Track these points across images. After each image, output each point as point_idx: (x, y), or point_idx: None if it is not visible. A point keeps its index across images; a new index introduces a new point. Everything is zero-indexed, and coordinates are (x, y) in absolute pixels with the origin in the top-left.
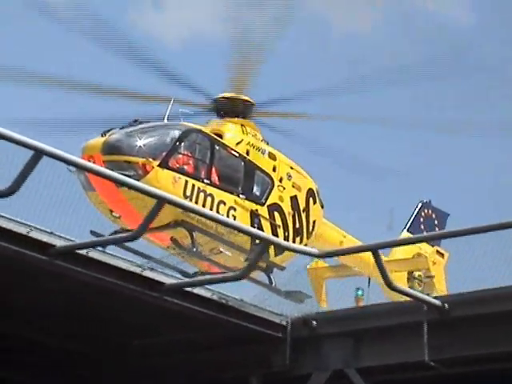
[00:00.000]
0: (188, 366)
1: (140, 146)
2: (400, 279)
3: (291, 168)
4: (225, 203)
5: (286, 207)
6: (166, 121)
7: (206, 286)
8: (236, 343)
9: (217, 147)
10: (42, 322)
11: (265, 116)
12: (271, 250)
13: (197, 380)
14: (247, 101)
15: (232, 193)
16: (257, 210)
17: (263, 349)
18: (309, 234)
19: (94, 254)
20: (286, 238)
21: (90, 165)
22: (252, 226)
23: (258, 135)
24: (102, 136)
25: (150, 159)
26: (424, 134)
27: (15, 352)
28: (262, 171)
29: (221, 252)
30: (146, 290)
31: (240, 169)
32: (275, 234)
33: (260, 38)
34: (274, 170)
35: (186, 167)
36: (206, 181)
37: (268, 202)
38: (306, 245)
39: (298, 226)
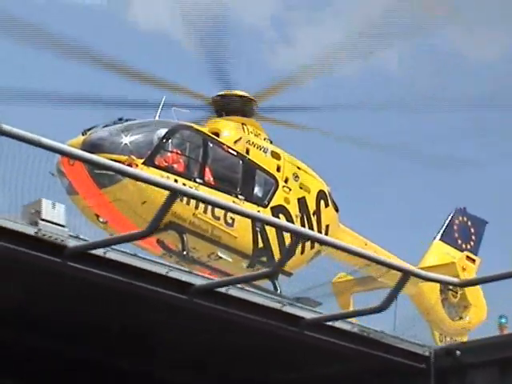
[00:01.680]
0: None
1: (124, 144)
2: (432, 291)
3: (298, 168)
4: None
5: (293, 209)
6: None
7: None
8: (378, 376)
9: (210, 144)
10: (184, 361)
11: (266, 121)
12: (276, 255)
13: None
14: (246, 97)
15: (229, 193)
16: (258, 212)
17: (406, 381)
18: None
19: (233, 291)
20: None
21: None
22: (253, 229)
23: (262, 134)
24: (83, 135)
25: (134, 157)
26: None
27: None
28: (264, 171)
29: (220, 258)
30: (285, 326)
31: (238, 168)
32: (280, 237)
33: None
34: (278, 169)
35: (175, 165)
36: (198, 180)
37: (272, 204)
38: (318, 251)
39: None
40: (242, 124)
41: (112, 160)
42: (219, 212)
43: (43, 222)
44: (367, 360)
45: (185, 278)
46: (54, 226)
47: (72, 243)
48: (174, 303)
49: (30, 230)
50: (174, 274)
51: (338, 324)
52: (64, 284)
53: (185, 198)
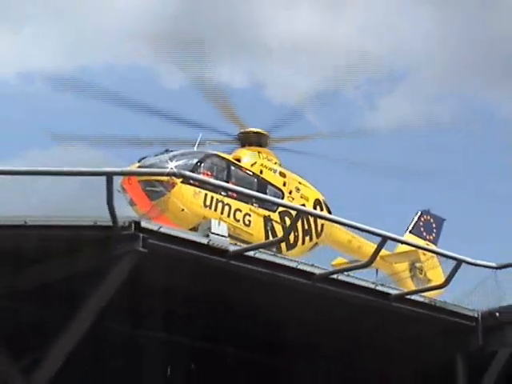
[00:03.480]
0: (411, 352)
1: (169, 168)
2: (404, 269)
3: (299, 183)
4: (241, 210)
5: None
6: (195, 149)
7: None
8: (442, 333)
9: (233, 167)
10: (312, 331)
11: (281, 142)
12: (283, 244)
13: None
14: (260, 133)
15: (247, 202)
16: (269, 216)
17: (463, 336)
18: (317, 235)
19: (342, 277)
20: (296, 237)
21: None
22: (265, 228)
23: (274, 159)
24: (139, 162)
25: (175, 178)
26: None
27: None
28: (274, 186)
29: None
30: (378, 299)
31: (253, 184)
32: (286, 234)
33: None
34: (284, 184)
35: None
36: (223, 193)
37: (279, 210)
38: (316, 243)
39: (306, 227)
40: (258, 152)
41: (160, 180)
42: (239, 216)
43: (212, 235)
44: (435, 322)
45: (309, 269)
46: (219, 237)
47: (232, 248)
48: (302, 289)
49: (204, 240)
50: (301, 266)
51: (414, 297)
52: (225, 278)
53: (212, 205)
